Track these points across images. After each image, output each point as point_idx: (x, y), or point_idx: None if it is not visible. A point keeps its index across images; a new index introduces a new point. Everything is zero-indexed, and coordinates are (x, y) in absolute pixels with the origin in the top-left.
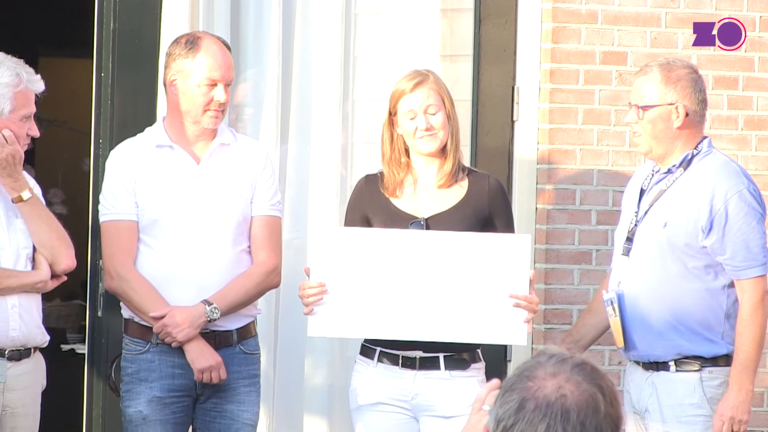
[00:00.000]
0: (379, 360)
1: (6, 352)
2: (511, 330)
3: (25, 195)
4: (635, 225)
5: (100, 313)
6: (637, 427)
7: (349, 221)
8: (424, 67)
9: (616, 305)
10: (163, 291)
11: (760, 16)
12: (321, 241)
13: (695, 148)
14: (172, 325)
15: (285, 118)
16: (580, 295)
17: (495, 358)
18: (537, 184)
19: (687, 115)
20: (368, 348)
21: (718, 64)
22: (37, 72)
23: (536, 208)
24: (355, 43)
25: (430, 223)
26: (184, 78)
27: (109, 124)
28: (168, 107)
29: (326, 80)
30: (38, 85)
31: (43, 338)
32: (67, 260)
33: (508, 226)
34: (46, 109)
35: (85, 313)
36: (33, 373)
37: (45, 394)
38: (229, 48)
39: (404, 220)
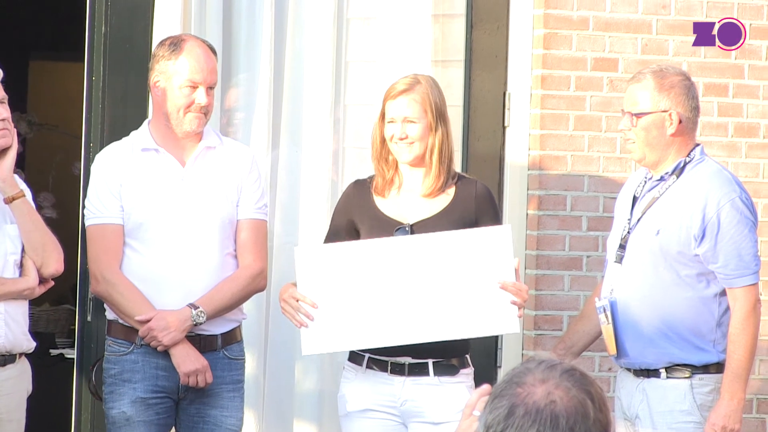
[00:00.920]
0: (368, 366)
1: None
2: (503, 319)
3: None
4: (628, 232)
5: (89, 318)
6: None
7: (335, 225)
8: (421, 73)
9: (608, 313)
10: (149, 294)
11: (750, 24)
12: (306, 261)
13: (688, 156)
14: (157, 328)
15: (276, 122)
16: (570, 301)
17: (484, 364)
18: (528, 189)
19: (680, 122)
20: (357, 354)
21: (708, 71)
22: (28, 75)
23: (527, 214)
24: (346, 48)
25: (415, 229)
26: (167, 79)
27: (100, 127)
28: (153, 109)
29: (318, 85)
30: None
31: (29, 345)
32: (56, 264)
33: None
34: (37, 112)
35: (74, 318)
36: (18, 379)
37: (33, 399)
38: (214, 51)
39: (390, 226)
